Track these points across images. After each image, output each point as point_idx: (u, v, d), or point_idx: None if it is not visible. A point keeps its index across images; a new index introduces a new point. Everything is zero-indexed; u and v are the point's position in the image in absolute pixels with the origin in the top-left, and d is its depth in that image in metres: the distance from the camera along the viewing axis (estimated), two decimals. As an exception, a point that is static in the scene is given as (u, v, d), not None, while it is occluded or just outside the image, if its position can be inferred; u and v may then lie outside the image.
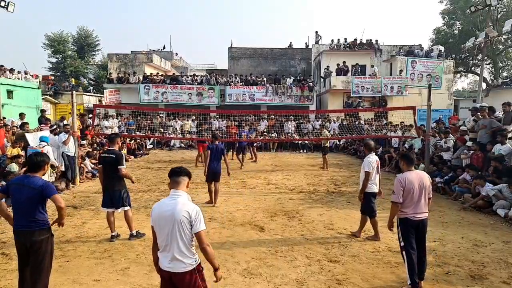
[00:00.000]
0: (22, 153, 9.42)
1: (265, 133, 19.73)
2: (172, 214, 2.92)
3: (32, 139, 9.84)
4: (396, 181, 4.40)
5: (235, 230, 6.49)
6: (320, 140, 19.23)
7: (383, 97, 22.76)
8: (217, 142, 8.50)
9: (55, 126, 12.23)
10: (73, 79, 30.58)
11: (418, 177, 4.36)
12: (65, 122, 12.81)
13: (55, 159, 9.97)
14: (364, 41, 26.50)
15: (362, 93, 22.39)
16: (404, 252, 4.34)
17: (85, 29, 42.71)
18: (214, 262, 3.04)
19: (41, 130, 12.04)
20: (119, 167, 5.77)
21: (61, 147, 10.10)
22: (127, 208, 5.93)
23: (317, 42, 28.48)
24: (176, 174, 3.13)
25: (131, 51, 29.96)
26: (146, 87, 23.09)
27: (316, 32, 29.17)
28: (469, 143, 10.22)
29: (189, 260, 2.96)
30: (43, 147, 9.17)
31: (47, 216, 3.81)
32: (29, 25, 79.25)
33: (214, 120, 20.43)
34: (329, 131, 17.42)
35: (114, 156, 5.81)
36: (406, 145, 14.24)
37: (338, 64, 23.27)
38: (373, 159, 6.00)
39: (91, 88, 33.64)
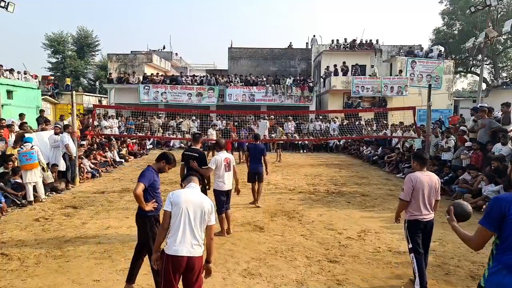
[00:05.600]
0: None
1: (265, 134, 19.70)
2: (201, 202, 3.27)
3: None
4: (407, 178, 4.37)
5: (235, 230, 6.48)
6: (320, 141, 19.38)
7: (383, 97, 22.76)
8: (258, 142, 8.67)
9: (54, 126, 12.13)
10: (67, 79, 30.49)
11: (429, 178, 4.35)
12: (65, 122, 12.76)
13: (53, 159, 9.98)
14: (364, 41, 26.51)
15: (362, 93, 22.39)
16: (412, 255, 4.30)
17: (84, 29, 42.65)
18: (213, 254, 3.39)
19: (41, 130, 12.00)
20: (203, 167, 5.88)
21: (62, 148, 10.06)
22: None
23: (313, 44, 28.64)
24: (190, 174, 3.65)
25: (131, 51, 29.90)
26: (146, 87, 23.07)
27: (314, 35, 29.57)
28: (468, 143, 10.22)
29: (202, 246, 3.29)
30: (31, 147, 8.65)
31: (152, 203, 4.16)
32: (29, 25, 79.25)
33: (217, 120, 20.38)
34: (283, 130, 18.98)
35: (197, 155, 5.97)
36: (406, 145, 14.22)
37: (335, 65, 23.26)
38: (220, 156, 6.25)
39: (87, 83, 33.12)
